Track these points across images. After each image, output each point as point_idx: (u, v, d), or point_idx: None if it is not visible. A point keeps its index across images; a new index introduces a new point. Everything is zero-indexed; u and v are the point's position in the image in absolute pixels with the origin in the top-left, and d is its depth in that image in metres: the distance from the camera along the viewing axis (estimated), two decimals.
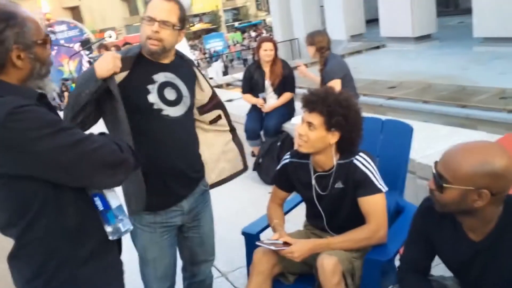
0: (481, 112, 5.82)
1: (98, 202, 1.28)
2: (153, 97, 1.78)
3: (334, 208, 1.97)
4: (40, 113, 1.09)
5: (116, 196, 1.32)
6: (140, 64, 1.80)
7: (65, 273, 1.17)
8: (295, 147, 3.87)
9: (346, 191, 1.91)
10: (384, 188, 1.87)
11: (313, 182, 1.98)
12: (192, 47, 33.41)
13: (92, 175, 1.16)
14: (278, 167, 2.14)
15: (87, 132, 1.29)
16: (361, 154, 1.91)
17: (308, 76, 4.31)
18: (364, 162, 1.88)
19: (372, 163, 1.89)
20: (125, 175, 1.24)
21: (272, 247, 1.84)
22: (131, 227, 1.38)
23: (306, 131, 1.86)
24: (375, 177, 1.86)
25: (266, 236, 2.06)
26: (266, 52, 4.19)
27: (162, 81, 1.81)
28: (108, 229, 1.30)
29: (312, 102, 1.85)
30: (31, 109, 1.08)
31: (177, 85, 1.85)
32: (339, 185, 1.92)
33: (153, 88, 1.78)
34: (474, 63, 8.33)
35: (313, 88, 1.95)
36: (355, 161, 1.88)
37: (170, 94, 1.82)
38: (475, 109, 5.96)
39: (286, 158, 2.10)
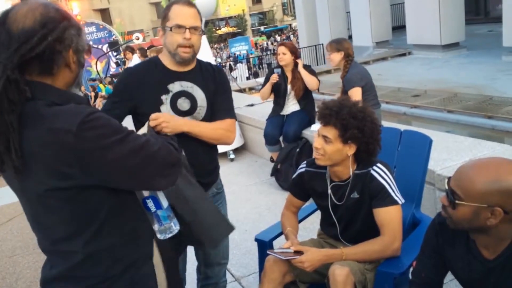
0: (508, 124, 5.65)
1: (150, 204, 1.31)
2: (165, 108, 1.80)
3: (349, 218, 1.96)
4: (107, 120, 1.08)
5: (164, 196, 1.35)
6: (158, 72, 1.82)
7: (127, 277, 1.19)
8: (314, 154, 3.88)
9: (361, 201, 1.90)
10: (400, 200, 1.85)
11: (329, 191, 1.98)
12: (217, 49, 33.67)
13: (154, 177, 1.17)
14: (294, 175, 2.14)
15: None
16: (378, 164, 1.89)
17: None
18: (381, 173, 1.87)
19: (389, 174, 1.87)
20: (178, 175, 1.24)
21: (282, 257, 1.84)
22: (179, 227, 1.41)
23: (322, 144, 1.85)
24: (391, 188, 1.85)
25: (279, 243, 2.07)
26: (279, 56, 4.23)
27: (177, 91, 1.82)
28: (160, 229, 1.34)
29: (326, 116, 1.83)
30: (99, 116, 1.07)
31: (193, 95, 1.85)
32: (354, 195, 1.91)
33: (166, 99, 1.80)
34: (502, 73, 8.13)
35: (327, 100, 1.93)
36: (372, 172, 1.87)
37: (183, 105, 1.83)
38: (502, 120, 5.80)
39: (302, 167, 2.10)
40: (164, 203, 1.33)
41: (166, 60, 1.86)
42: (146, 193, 1.30)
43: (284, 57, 4.20)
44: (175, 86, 1.83)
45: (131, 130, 1.14)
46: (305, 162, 2.11)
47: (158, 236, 1.34)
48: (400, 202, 1.84)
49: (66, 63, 1.11)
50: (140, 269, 1.23)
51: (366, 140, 1.84)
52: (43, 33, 1.04)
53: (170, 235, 1.36)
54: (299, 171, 2.10)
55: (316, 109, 1.94)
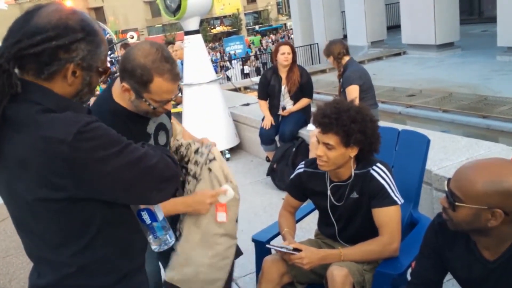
0: (503, 124, 5.69)
1: (145, 216, 1.26)
2: None
3: (347, 219, 1.95)
4: (105, 130, 1.04)
5: (160, 208, 1.31)
6: (129, 122, 1.58)
7: (120, 287, 1.16)
8: (310, 154, 3.87)
9: (361, 201, 1.89)
10: (400, 200, 1.84)
11: (329, 192, 1.96)
12: (212, 49, 33.62)
13: (150, 191, 1.13)
14: (292, 176, 2.12)
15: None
16: (378, 164, 1.88)
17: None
18: (381, 172, 1.85)
19: (389, 174, 1.86)
20: (174, 188, 1.21)
21: (283, 249, 1.83)
22: (175, 239, 1.36)
23: (325, 151, 1.82)
24: (391, 188, 1.83)
25: (276, 243, 2.05)
26: (283, 56, 4.17)
27: (154, 129, 1.68)
28: (154, 241, 1.30)
29: (326, 124, 1.79)
30: (97, 126, 1.02)
31: (164, 123, 1.73)
32: (354, 195, 1.90)
33: (151, 143, 1.67)
34: (497, 73, 8.18)
35: (323, 105, 1.88)
36: (372, 172, 1.86)
37: (161, 139, 1.72)
38: (496, 120, 5.83)
39: (301, 168, 2.08)
40: (160, 215, 1.29)
41: (127, 104, 1.57)
42: (141, 205, 1.26)
43: (289, 57, 4.18)
44: (151, 127, 1.67)
45: (129, 141, 1.09)
46: (303, 162, 2.10)
47: (153, 248, 1.31)
48: (399, 202, 1.83)
49: (64, 74, 1.05)
50: (134, 278, 1.20)
51: (369, 141, 1.83)
52: (49, 35, 1.01)
53: (166, 247, 1.33)
54: (297, 171, 2.09)
55: (312, 114, 1.89)
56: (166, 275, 1.70)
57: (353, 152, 1.84)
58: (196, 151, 1.78)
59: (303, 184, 2.05)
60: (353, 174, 1.89)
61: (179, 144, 1.82)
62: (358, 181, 1.88)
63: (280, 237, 2.12)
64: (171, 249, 1.74)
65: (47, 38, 1.01)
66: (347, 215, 1.94)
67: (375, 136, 1.85)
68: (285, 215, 2.13)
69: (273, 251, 1.99)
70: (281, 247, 1.85)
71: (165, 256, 1.96)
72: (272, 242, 2.14)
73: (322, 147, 1.83)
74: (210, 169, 1.74)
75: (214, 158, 1.75)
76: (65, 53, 1.03)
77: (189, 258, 1.72)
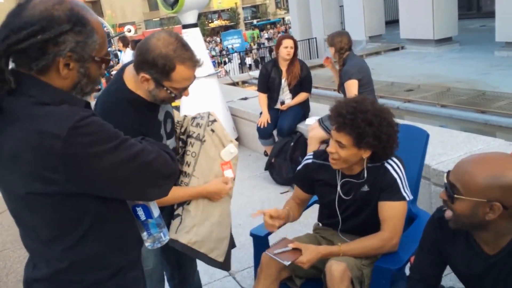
0: (501, 119, 5.68)
1: (140, 212, 1.25)
2: (163, 140, 1.70)
3: (353, 212, 1.94)
4: (101, 125, 1.02)
5: (156, 205, 1.30)
6: (148, 110, 1.62)
7: (113, 282, 1.15)
8: (308, 149, 3.86)
9: (371, 194, 1.87)
10: (408, 196, 1.83)
11: (339, 187, 1.94)
12: (210, 43, 33.50)
13: (146, 188, 1.12)
14: (300, 166, 2.10)
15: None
16: (393, 158, 1.87)
17: (332, 69, 4.22)
18: (395, 166, 1.85)
19: (402, 169, 1.85)
20: (172, 185, 1.20)
21: (285, 262, 1.74)
22: (169, 237, 1.36)
23: (337, 149, 1.80)
24: (402, 184, 1.83)
25: (274, 238, 2.04)
26: (286, 50, 4.15)
27: (163, 117, 1.70)
28: (148, 238, 1.29)
29: (340, 123, 1.77)
30: (93, 120, 1.00)
31: (169, 111, 1.75)
32: (364, 188, 1.88)
33: (163, 131, 1.70)
34: (495, 68, 8.16)
35: (340, 102, 1.83)
36: (386, 165, 1.85)
37: (168, 126, 1.73)
38: (494, 115, 5.82)
39: (309, 158, 2.06)
40: (155, 212, 1.27)
41: (144, 93, 1.57)
42: (137, 201, 1.25)
43: (291, 51, 4.16)
44: (161, 114, 1.69)
45: (126, 136, 1.07)
46: (311, 153, 2.09)
47: (146, 245, 1.30)
48: (407, 199, 1.83)
49: (57, 68, 1.02)
50: (128, 274, 1.19)
51: (383, 146, 1.79)
52: (34, 30, 0.98)
53: (159, 245, 1.32)
54: (305, 162, 2.07)
55: (328, 111, 1.86)
56: (182, 238, 1.74)
57: (366, 154, 1.81)
58: (195, 117, 1.85)
59: (310, 175, 2.03)
60: (365, 170, 1.87)
61: (177, 121, 1.86)
62: (371, 174, 1.86)
63: (278, 232, 2.10)
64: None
65: (32, 33, 0.98)
66: (354, 208, 1.93)
67: (390, 142, 1.80)
68: (291, 202, 2.12)
69: (271, 244, 1.98)
70: (282, 253, 1.78)
71: (168, 251, 1.97)
72: (270, 237, 2.14)
73: (334, 144, 1.81)
74: (212, 130, 1.79)
75: (215, 120, 1.81)
76: (54, 47, 1.00)
77: (202, 218, 1.75)
